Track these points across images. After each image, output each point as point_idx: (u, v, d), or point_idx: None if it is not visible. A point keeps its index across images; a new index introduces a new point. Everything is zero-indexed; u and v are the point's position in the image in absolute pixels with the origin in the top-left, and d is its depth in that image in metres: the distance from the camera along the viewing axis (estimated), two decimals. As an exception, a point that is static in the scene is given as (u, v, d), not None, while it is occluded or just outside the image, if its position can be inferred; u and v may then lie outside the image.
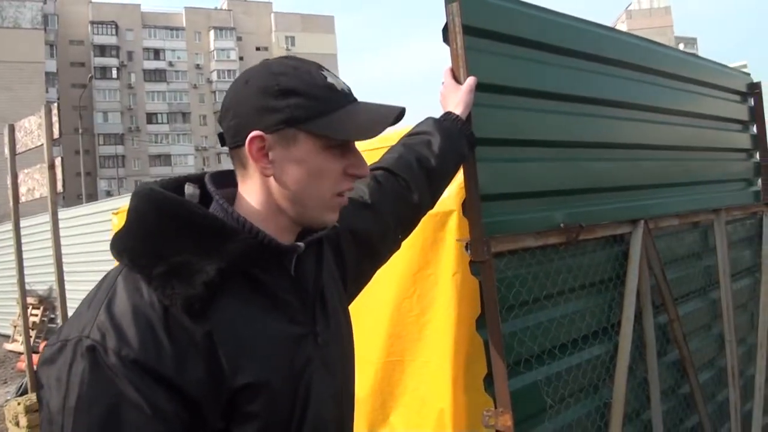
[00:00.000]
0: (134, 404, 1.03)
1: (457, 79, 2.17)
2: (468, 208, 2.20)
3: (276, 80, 1.20)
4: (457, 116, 2.00)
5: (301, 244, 1.28)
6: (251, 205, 1.25)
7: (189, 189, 1.28)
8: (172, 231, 1.14)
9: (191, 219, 1.15)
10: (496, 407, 2.15)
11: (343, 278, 1.52)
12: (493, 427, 2.13)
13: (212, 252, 1.13)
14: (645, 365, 3.12)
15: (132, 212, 1.18)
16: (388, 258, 1.78)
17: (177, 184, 1.28)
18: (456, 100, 2.05)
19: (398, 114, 1.26)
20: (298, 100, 1.19)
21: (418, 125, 1.95)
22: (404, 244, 2.70)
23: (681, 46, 70.34)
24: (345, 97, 1.25)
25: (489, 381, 2.17)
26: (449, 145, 1.89)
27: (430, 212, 2.67)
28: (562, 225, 2.60)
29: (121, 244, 1.17)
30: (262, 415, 1.15)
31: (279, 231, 1.26)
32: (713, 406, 3.83)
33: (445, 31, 2.22)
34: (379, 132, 1.24)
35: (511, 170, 2.51)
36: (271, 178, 1.22)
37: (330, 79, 1.24)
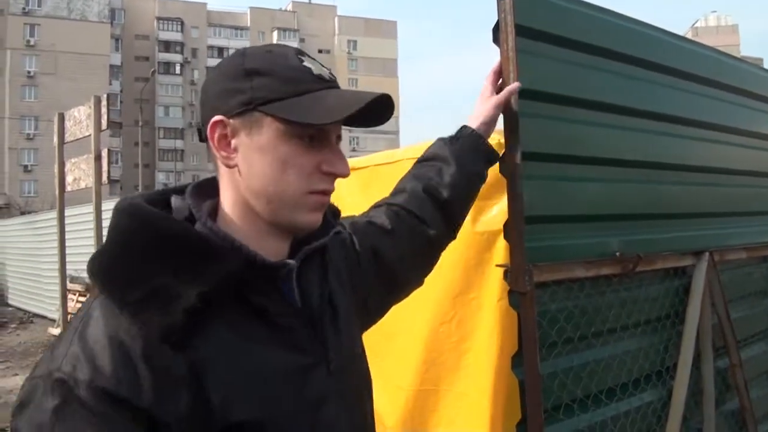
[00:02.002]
0: None
1: (504, 85, 1.93)
2: (509, 230, 1.96)
3: (243, 61, 1.08)
4: (473, 131, 1.76)
5: (291, 261, 1.14)
6: (227, 212, 1.12)
7: (176, 202, 1.14)
8: (150, 251, 1.01)
9: (171, 238, 1.02)
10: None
11: (359, 291, 1.38)
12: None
13: (194, 274, 1.00)
14: (701, 415, 2.80)
15: (111, 230, 1.04)
16: (407, 293, 1.61)
17: (163, 197, 1.14)
18: (480, 111, 1.82)
19: (373, 100, 1.08)
20: (262, 80, 1.06)
21: (429, 148, 1.76)
22: (445, 264, 2.50)
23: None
24: (321, 81, 1.09)
25: (522, 428, 1.90)
26: (462, 170, 1.69)
27: (477, 231, 2.47)
28: (617, 254, 2.32)
29: (94, 266, 1.03)
30: None
31: (263, 240, 1.12)
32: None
33: (496, 30, 1.99)
34: (347, 114, 1.05)
35: (562, 190, 2.24)
36: (236, 171, 1.09)
37: (307, 64, 1.10)
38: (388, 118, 1.16)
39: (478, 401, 2.21)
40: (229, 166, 1.09)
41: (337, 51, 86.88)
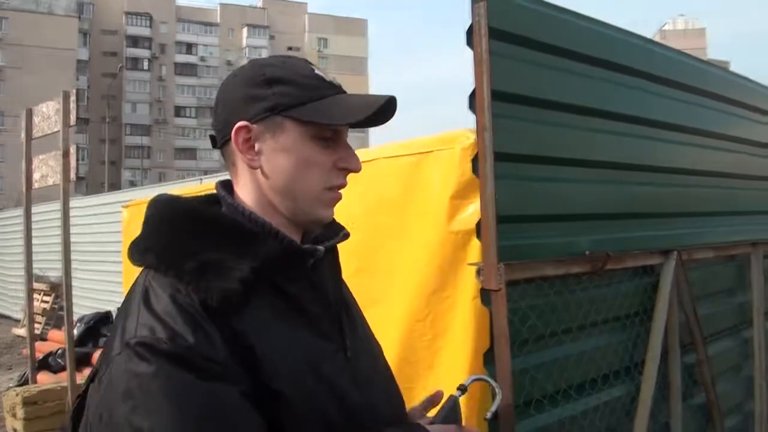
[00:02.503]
0: (207, 390, 1.00)
1: (477, 86, 1.97)
2: (482, 229, 2.00)
3: (262, 70, 1.19)
4: None
5: (320, 247, 1.25)
6: (249, 206, 1.22)
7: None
8: (199, 233, 1.14)
9: (217, 222, 1.16)
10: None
11: None
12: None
13: (243, 253, 1.12)
14: (668, 409, 2.89)
15: (153, 217, 1.19)
16: None
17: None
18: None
19: (386, 101, 1.20)
20: (284, 88, 1.17)
21: None
22: (420, 262, 2.53)
23: (715, 70, 69.67)
24: (332, 87, 1.22)
25: (494, 425, 1.93)
26: None
27: (452, 230, 2.51)
28: (587, 253, 2.38)
29: (144, 245, 1.16)
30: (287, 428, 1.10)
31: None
32: (739, 455, 3.57)
33: (470, 33, 2.04)
34: (365, 115, 1.18)
35: (533, 190, 2.30)
36: (259, 171, 1.19)
37: (318, 72, 1.22)
38: (390, 118, 1.26)
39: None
40: (253, 168, 1.19)
41: (308, 49, 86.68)
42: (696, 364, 3.08)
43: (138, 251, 1.15)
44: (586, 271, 2.38)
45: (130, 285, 1.18)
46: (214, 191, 1.27)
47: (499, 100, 2.03)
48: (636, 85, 2.76)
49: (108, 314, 10.07)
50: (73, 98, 6.79)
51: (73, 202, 9.15)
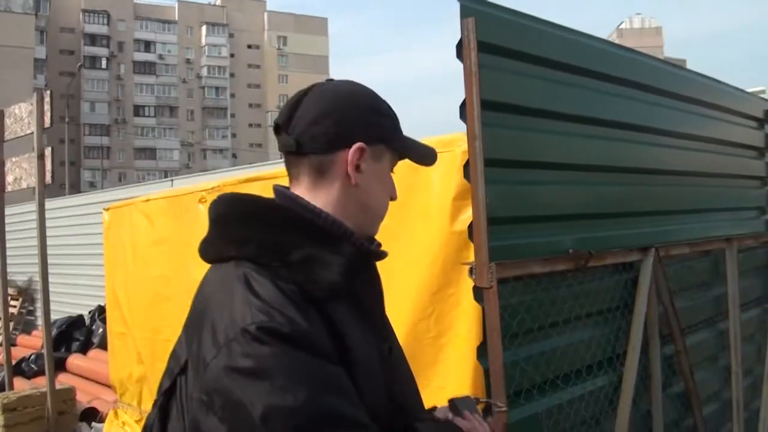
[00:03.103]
0: (325, 369, 1.11)
1: (468, 97, 2.13)
2: (474, 231, 2.17)
3: (379, 101, 1.38)
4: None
5: (386, 251, 1.38)
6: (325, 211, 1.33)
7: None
8: (295, 230, 1.24)
9: (310, 221, 1.27)
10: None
11: None
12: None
13: (333, 251, 1.23)
14: (650, 397, 3.08)
15: (239, 213, 1.28)
16: None
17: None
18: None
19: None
20: (390, 122, 1.38)
21: None
22: (424, 261, 2.64)
23: (671, 67, 70.77)
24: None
25: (487, 412, 2.11)
26: None
27: (455, 230, 2.62)
28: (570, 251, 2.55)
29: (239, 236, 1.24)
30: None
31: None
32: (716, 441, 3.79)
33: (459, 47, 2.19)
34: (433, 162, 1.45)
35: (521, 193, 2.48)
36: (355, 187, 1.32)
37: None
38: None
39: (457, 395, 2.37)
40: (352, 184, 1.31)
41: (267, 47, 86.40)
42: (674, 354, 3.27)
43: (234, 243, 1.23)
44: (570, 269, 2.56)
45: (202, 282, 1.28)
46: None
47: (488, 109, 2.19)
48: (615, 92, 2.94)
49: (80, 318, 10.00)
50: (47, 99, 6.76)
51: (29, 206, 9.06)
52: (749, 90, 4.92)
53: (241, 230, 1.25)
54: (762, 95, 5.13)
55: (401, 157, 1.40)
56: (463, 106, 2.18)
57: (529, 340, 2.39)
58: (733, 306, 3.88)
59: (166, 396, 1.23)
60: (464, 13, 2.16)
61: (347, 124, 1.31)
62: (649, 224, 3.24)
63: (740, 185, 4.50)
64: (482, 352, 2.21)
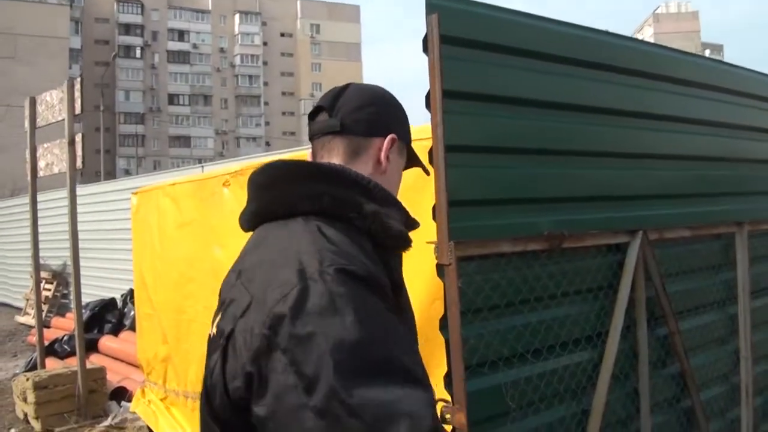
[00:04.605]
0: (389, 312, 1.20)
1: (432, 86, 2.34)
2: (437, 212, 2.38)
3: (402, 107, 1.64)
4: None
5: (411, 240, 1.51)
6: None
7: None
8: (358, 188, 1.40)
9: (365, 182, 1.43)
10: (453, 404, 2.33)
11: None
12: (449, 423, 2.31)
13: (393, 208, 1.45)
14: (636, 375, 3.25)
15: (308, 173, 1.39)
16: None
17: None
18: None
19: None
20: (408, 126, 1.63)
21: None
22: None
23: (707, 53, 69.71)
24: None
25: (449, 380, 2.34)
26: None
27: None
28: (546, 233, 2.73)
29: (314, 191, 1.35)
30: None
31: None
32: (722, 423, 3.89)
33: (425, 41, 2.41)
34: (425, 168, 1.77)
35: (486, 176, 2.65)
36: (383, 175, 1.52)
37: None
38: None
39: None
40: (380, 171, 1.52)
41: (300, 35, 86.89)
42: (668, 335, 3.40)
43: (308, 198, 1.33)
44: (544, 249, 2.75)
45: (254, 241, 1.37)
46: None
47: (450, 98, 2.39)
48: (589, 76, 3.06)
49: (113, 301, 10.31)
50: (77, 87, 7.03)
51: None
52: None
53: (315, 185, 1.36)
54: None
55: (410, 162, 1.64)
56: (428, 96, 2.39)
57: (497, 315, 2.59)
58: (743, 291, 3.94)
59: (227, 339, 1.22)
60: (429, 10, 2.37)
61: (386, 116, 1.56)
62: (641, 208, 3.35)
63: (757, 170, 4.43)
64: (444, 324, 2.42)
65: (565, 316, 2.86)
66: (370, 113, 1.51)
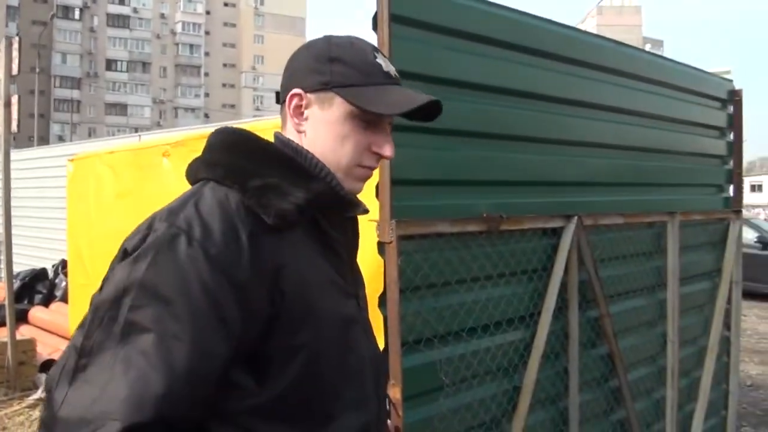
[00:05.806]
0: (205, 292, 1.14)
1: None
2: (379, 191, 2.43)
3: (329, 48, 1.38)
4: None
5: (363, 203, 1.45)
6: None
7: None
8: (266, 161, 1.32)
9: (283, 155, 1.35)
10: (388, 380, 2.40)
11: None
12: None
13: (299, 185, 1.31)
14: (567, 356, 3.39)
15: (224, 141, 1.36)
16: None
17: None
18: None
19: (430, 102, 1.37)
20: (342, 68, 1.35)
21: None
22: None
23: (648, 47, 71.27)
24: (387, 78, 1.39)
25: (386, 355, 2.39)
26: None
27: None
28: (484, 215, 2.81)
29: (212, 159, 1.33)
30: (306, 356, 1.24)
31: None
32: (647, 403, 4.08)
33: (375, 19, 2.44)
34: (404, 110, 1.34)
35: (428, 157, 2.72)
36: (303, 135, 1.39)
37: (379, 60, 1.39)
38: (434, 119, 1.46)
39: None
40: (298, 131, 1.39)
41: (243, 5, 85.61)
42: (599, 318, 3.55)
43: (206, 165, 1.32)
44: (482, 230, 2.83)
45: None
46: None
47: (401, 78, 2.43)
48: (534, 63, 3.15)
49: (43, 271, 10.09)
50: (15, 46, 6.80)
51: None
52: (712, 70, 5.00)
53: (216, 155, 1.34)
54: (726, 75, 5.22)
55: (360, 108, 1.33)
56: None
57: (434, 294, 2.67)
58: (672, 277, 4.12)
59: None
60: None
61: (291, 74, 1.40)
62: (578, 194, 3.49)
63: (695, 163, 4.68)
64: (382, 301, 2.48)
65: (500, 297, 2.96)
66: (284, 78, 1.42)
